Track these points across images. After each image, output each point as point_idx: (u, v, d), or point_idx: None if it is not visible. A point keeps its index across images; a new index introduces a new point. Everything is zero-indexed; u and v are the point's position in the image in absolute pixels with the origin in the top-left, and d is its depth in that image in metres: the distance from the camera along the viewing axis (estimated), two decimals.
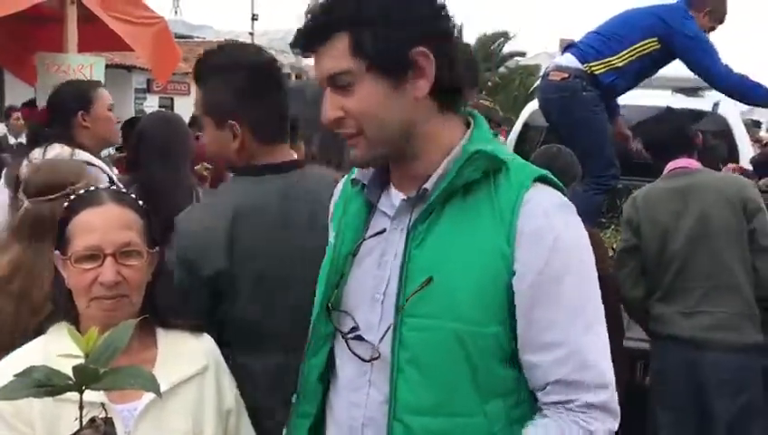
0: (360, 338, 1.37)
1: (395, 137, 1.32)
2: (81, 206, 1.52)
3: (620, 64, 3.81)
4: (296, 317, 1.62)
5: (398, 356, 1.31)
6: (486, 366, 1.30)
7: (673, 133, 3.24)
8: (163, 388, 1.47)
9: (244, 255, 1.81)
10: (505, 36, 29.80)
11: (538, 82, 4.28)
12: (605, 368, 1.30)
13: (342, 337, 1.39)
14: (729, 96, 4.21)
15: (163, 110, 4.59)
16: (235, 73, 1.85)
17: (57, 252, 1.54)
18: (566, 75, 3.90)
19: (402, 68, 1.29)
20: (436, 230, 1.32)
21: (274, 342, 1.81)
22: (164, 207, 3.12)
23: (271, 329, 1.82)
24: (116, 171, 3.34)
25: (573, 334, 1.28)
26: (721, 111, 5.29)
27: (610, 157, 3.98)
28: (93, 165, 2.83)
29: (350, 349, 1.38)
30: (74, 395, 1.21)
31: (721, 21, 4.04)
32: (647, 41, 3.78)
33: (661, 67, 4.02)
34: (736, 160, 4.91)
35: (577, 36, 4.30)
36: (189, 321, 1.67)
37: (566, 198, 1.35)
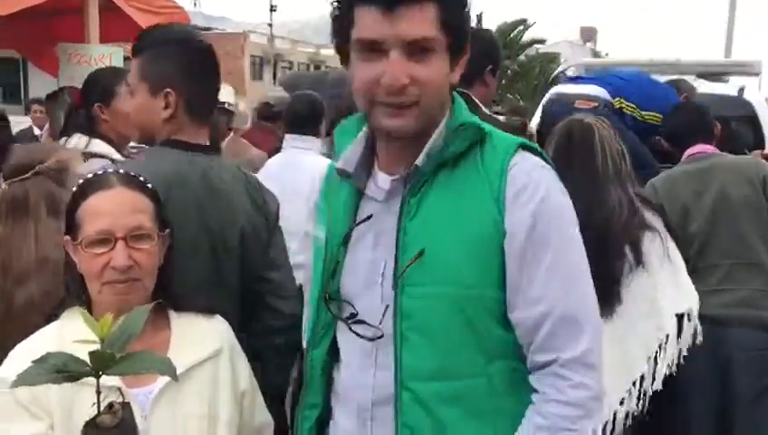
0: (361, 322, 1.41)
1: (436, 112, 1.37)
2: (90, 190, 1.52)
3: (639, 117, 4.04)
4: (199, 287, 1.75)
5: (399, 326, 1.35)
6: (486, 328, 1.35)
7: (692, 121, 3.26)
8: (178, 371, 1.48)
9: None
10: (525, 24, 29.60)
11: (546, 104, 4.34)
12: (585, 318, 1.35)
13: (344, 323, 1.43)
14: None
15: None
16: (182, 47, 1.91)
17: (68, 237, 1.54)
18: (596, 104, 4.03)
19: (462, 54, 1.37)
20: (427, 202, 1.37)
21: None
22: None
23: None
24: None
25: (558, 289, 1.34)
26: (746, 95, 5.22)
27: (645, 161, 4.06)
28: (106, 157, 2.76)
29: (353, 332, 1.41)
30: (91, 380, 1.23)
31: None
32: (657, 114, 4.01)
33: (645, 138, 4.10)
34: (762, 145, 4.84)
35: (598, 24, 4.36)
36: (202, 304, 1.67)
37: (548, 163, 1.42)
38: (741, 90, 5.27)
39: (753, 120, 5.15)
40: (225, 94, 4.40)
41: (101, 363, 1.18)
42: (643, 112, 3.99)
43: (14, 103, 19.68)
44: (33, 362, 1.19)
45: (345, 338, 1.46)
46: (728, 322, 2.75)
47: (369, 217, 1.41)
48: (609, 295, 2.25)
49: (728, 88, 5.56)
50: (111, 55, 4.56)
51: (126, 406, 1.24)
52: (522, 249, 1.33)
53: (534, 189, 1.34)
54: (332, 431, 1.52)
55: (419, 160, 1.36)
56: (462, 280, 1.33)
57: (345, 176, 1.45)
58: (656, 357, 2.31)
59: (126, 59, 5.20)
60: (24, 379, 1.18)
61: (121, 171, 1.56)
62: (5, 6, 4.03)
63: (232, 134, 4.14)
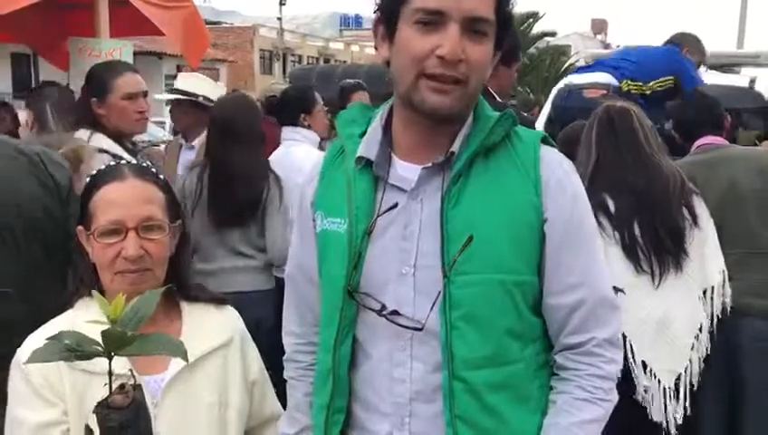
0: (396, 313, 1.36)
1: (475, 97, 1.38)
2: (103, 181, 1.54)
3: (648, 93, 4.13)
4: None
5: (449, 315, 1.33)
6: (526, 314, 1.39)
7: (702, 113, 3.25)
8: (189, 359, 1.50)
9: None
10: (535, 16, 29.45)
11: (555, 95, 4.37)
12: (614, 301, 1.44)
13: (379, 315, 1.37)
14: None
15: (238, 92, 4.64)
16: None
17: (80, 227, 1.56)
18: (605, 92, 4.06)
19: (500, 47, 1.37)
20: (467, 191, 1.36)
21: None
22: (238, 190, 3.23)
23: None
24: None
25: (595, 275, 1.41)
26: (758, 87, 5.20)
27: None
28: (106, 152, 2.78)
29: (398, 325, 1.36)
30: (103, 367, 1.23)
31: (702, 63, 4.60)
32: (666, 78, 4.15)
33: (663, 104, 4.21)
34: None
35: (608, 16, 4.41)
36: (213, 294, 1.69)
37: None
38: (752, 81, 5.25)
39: (764, 111, 5.14)
40: (203, 88, 4.28)
41: (113, 343, 1.18)
42: (650, 84, 4.06)
43: (25, 98, 19.82)
44: (47, 339, 1.20)
45: (373, 332, 1.41)
46: (737, 311, 2.74)
47: (394, 206, 1.38)
48: (679, 252, 2.56)
49: (739, 79, 5.54)
50: (122, 49, 4.57)
51: (137, 388, 1.25)
52: (562, 236, 1.37)
53: (568, 180, 1.40)
54: None
55: (456, 148, 1.36)
56: (509, 266, 1.35)
57: (364, 164, 1.42)
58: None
59: (135, 54, 5.23)
60: (38, 356, 1.19)
61: (133, 163, 1.58)
62: (17, 1, 4.05)
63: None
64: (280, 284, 3.54)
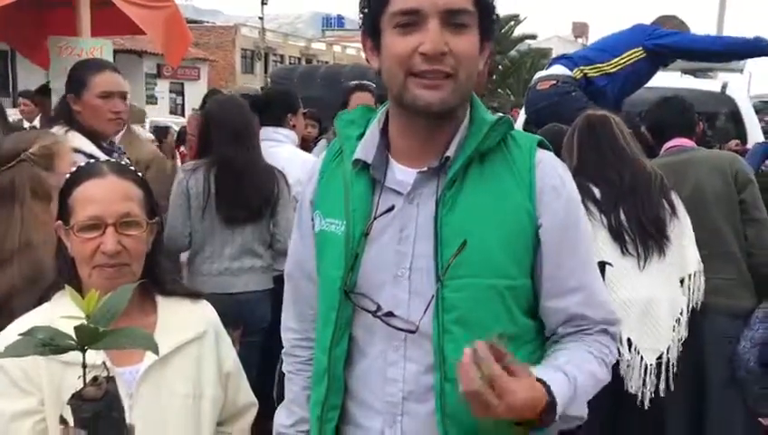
0: (391, 314, 1.38)
1: (467, 92, 1.39)
2: (82, 177, 1.58)
3: (612, 71, 4.16)
4: None
5: (442, 319, 1.35)
6: (519, 317, 1.41)
7: (674, 116, 3.33)
8: (163, 352, 1.53)
9: None
10: (516, 19, 29.60)
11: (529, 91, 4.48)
12: (610, 304, 1.49)
13: (374, 316, 1.39)
14: (731, 58, 4.57)
15: (229, 93, 4.61)
16: None
17: (59, 222, 1.60)
18: (554, 82, 4.19)
19: (490, 38, 1.39)
20: (462, 196, 1.38)
21: None
22: (249, 187, 3.26)
23: None
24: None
25: (588, 279, 1.45)
26: (729, 91, 5.31)
27: None
28: (78, 151, 2.70)
29: (392, 326, 1.38)
30: (79, 359, 1.28)
31: None
32: (633, 50, 4.17)
33: (648, 77, 4.31)
34: (744, 140, 4.93)
35: (589, 19, 4.48)
36: (188, 289, 1.74)
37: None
38: (724, 86, 5.35)
39: (735, 115, 5.25)
40: None
41: (87, 338, 1.21)
42: (614, 62, 4.12)
43: (3, 96, 19.65)
44: (21, 334, 1.23)
45: (368, 332, 1.43)
46: (704, 309, 2.82)
47: (391, 209, 1.40)
48: (661, 238, 2.69)
49: (712, 84, 5.65)
50: (102, 48, 4.57)
51: (111, 380, 1.27)
52: (558, 241, 1.39)
53: (562, 185, 1.42)
54: (353, 432, 1.48)
55: (451, 152, 1.38)
56: (502, 271, 1.36)
57: (362, 167, 1.44)
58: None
59: (116, 52, 5.24)
60: (11, 351, 1.21)
61: (113, 161, 1.62)
62: None
63: (125, 129, 3.58)
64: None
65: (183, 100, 31.76)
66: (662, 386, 2.65)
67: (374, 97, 4.27)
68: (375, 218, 1.40)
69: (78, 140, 2.82)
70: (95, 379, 1.28)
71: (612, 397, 2.57)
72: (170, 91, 31.71)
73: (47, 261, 1.78)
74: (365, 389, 1.45)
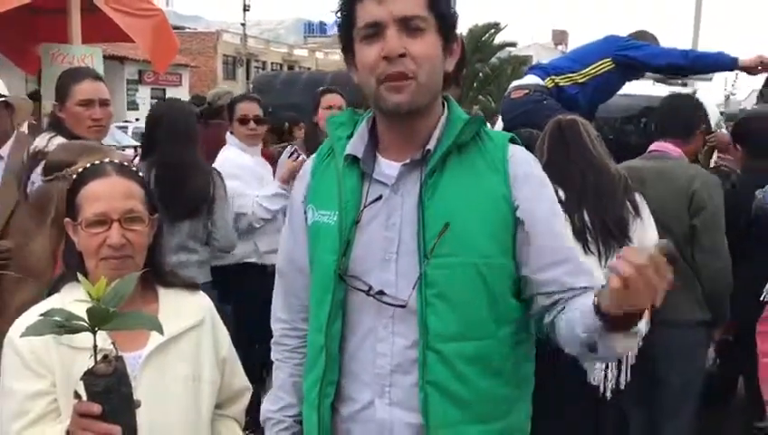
0: (382, 293, 1.53)
1: (433, 91, 1.53)
2: (89, 178, 1.72)
3: (582, 80, 4.26)
4: None
5: (425, 293, 1.50)
6: (501, 295, 1.54)
7: (664, 116, 3.34)
8: (164, 338, 1.68)
9: None
10: (496, 27, 29.87)
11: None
12: (594, 272, 1.62)
13: (367, 295, 1.54)
14: (697, 72, 4.64)
15: (175, 98, 4.76)
16: None
17: (68, 219, 1.73)
18: (527, 91, 4.28)
19: (451, 39, 1.54)
20: (442, 182, 1.53)
21: None
22: (189, 187, 3.42)
23: None
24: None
25: (571, 251, 1.60)
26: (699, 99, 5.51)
27: None
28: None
29: (385, 303, 1.52)
30: (88, 344, 1.40)
31: None
32: (603, 61, 4.27)
33: (618, 87, 4.40)
34: (712, 147, 5.12)
35: (569, 27, 4.62)
36: (186, 280, 1.87)
37: None
38: (693, 93, 5.56)
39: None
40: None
41: (97, 319, 1.33)
42: (584, 72, 4.23)
43: None
44: (40, 315, 1.36)
45: (359, 310, 1.57)
46: (657, 320, 2.87)
47: (379, 198, 1.55)
48: (623, 239, 2.77)
49: (683, 91, 5.86)
50: (93, 56, 4.69)
51: (119, 359, 1.40)
52: (538, 218, 1.54)
53: (534, 172, 1.60)
54: (345, 406, 1.61)
55: (431, 145, 1.53)
56: (481, 250, 1.51)
57: (351, 161, 1.59)
58: None
59: (105, 59, 5.35)
60: (32, 330, 1.34)
61: (116, 162, 1.76)
62: None
63: (16, 132, 3.41)
64: (226, 272, 3.76)
65: None
66: (622, 378, 2.76)
67: (344, 98, 4.44)
68: (365, 207, 1.55)
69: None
70: (105, 357, 1.40)
71: (579, 387, 2.72)
72: (152, 97, 31.63)
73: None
74: (356, 364, 1.58)
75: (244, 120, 4.05)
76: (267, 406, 1.79)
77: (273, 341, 1.81)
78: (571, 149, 2.88)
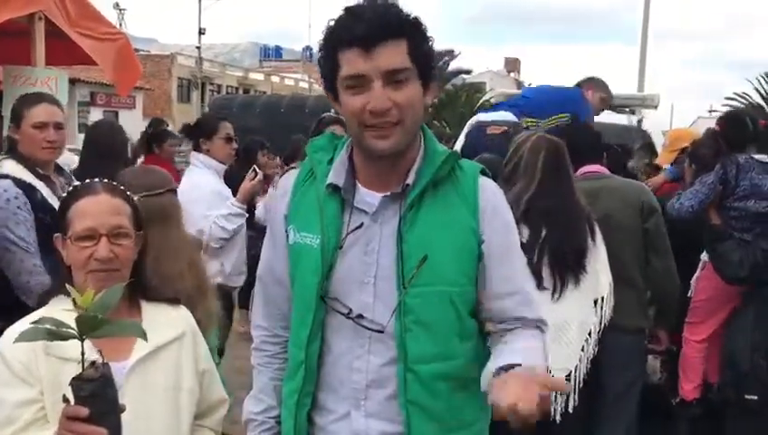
0: (361, 316, 1.65)
1: (415, 130, 1.64)
2: (79, 195, 1.80)
3: (544, 127, 4.45)
4: None
5: (403, 321, 1.62)
6: (465, 317, 1.69)
7: (588, 142, 3.57)
8: (148, 349, 1.77)
9: None
10: (451, 55, 30.24)
11: (466, 131, 4.71)
12: (537, 301, 1.81)
13: (347, 317, 1.65)
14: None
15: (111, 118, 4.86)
16: None
17: (58, 234, 1.81)
18: (506, 128, 4.41)
19: (430, 80, 1.63)
20: (420, 216, 1.64)
21: None
22: None
23: None
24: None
25: (524, 284, 1.78)
26: (644, 126, 5.83)
27: None
28: (6, 177, 2.94)
29: (362, 326, 1.64)
30: (75, 355, 1.47)
31: (607, 105, 5.01)
32: (561, 114, 4.50)
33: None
34: (657, 167, 5.38)
35: (521, 55, 4.82)
36: (168, 295, 1.96)
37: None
38: (639, 121, 5.87)
39: (650, 146, 5.76)
40: None
41: (86, 326, 1.41)
42: (542, 122, 4.44)
43: None
44: (32, 322, 1.44)
45: (338, 331, 1.68)
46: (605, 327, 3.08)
47: (360, 226, 1.65)
48: (578, 269, 2.91)
49: (629, 119, 6.16)
50: (57, 78, 4.71)
51: (105, 365, 1.47)
52: (498, 253, 1.68)
53: (501, 206, 1.73)
54: (321, 416, 1.73)
55: (410, 180, 1.63)
56: (453, 279, 1.65)
57: (332, 189, 1.67)
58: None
59: (69, 82, 5.37)
60: (24, 336, 1.42)
61: (105, 181, 1.85)
62: None
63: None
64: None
65: None
66: (571, 402, 2.89)
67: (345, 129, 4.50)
68: (348, 233, 1.65)
69: (10, 167, 3.02)
70: (93, 363, 1.48)
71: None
72: None
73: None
74: (333, 378, 1.71)
75: (229, 139, 4.13)
76: (250, 408, 1.87)
77: (253, 346, 1.91)
78: (562, 175, 2.98)
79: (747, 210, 3.63)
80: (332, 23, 1.58)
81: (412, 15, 1.58)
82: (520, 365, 1.50)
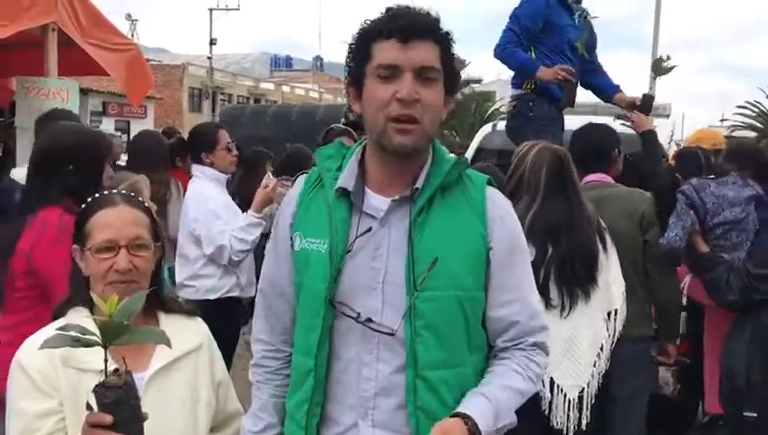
0: (370, 320, 1.63)
1: (432, 134, 1.67)
2: (98, 207, 1.81)
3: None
4: None
5: (414, 325, 1.61)
6: (474, 324, 1.68)
7: (592, 149, 3.50)
8: (166, 360, 1.77)
9: None
10: (461, 64, 30.19)
11: (482, 138, 4.67)
12: (543, 315, 1.78)
13: (356, 321, 1.63)
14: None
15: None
16: None
17: (76, 245, 1.81)
18: (514, 103, 4.39)
19: (452, 91, 1.67)
20: (429, 220, 1.65)
21: None
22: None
23: None
24: None
25: (526, 292, 1.75)
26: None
27: None
28: None
29: (373, 330, 1.62)
30: (94, 366, 1.47)
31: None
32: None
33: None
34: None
35: None
36: (185, 307, 1.96)
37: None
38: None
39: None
40: None
41: (110, 333, 1.41)
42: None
43: None
44: (57, 328, 1.43)
45: (346, 336, 1.66)
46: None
47: (368, 230, 1.65)
48: (589, 282, 2.87)
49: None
50: (69, 89, 4.73)
51: (128, 373, 1.47)
52: (503, 261, 1.68)
53: (508, 215, 1.73)
54: (328, 428, 1.69)
55: (419, 184, 1.65)
56: (462, 283, 1.64)
57: (341, 193, 1.68)
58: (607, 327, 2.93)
59: (82, 92, 5.40)
60: (49, 343, 1.42)
61: (124, 192, 1.85)
62: None
63: None
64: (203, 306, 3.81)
65: (129, 138, 31.36)
66: (584, 421, 2.84)
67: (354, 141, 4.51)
68: (357, 238, 1.65)
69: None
70: (116, 371, 1.48)
71: (542, 432, 2.81)
72: (116, 129, 31.41)
73: None
74: (340, 388, 1.68)
75: (230, 148, 4.14)
76: (248, 426, 1.84)
77: (253, 362, 1.87)
78: (568, 186, 2.94)
79: (726, 222, 3.58)
80: (370, 20, 1.64)
81: (446, 27, 1.64)
82: (470, 418, 1.55)
